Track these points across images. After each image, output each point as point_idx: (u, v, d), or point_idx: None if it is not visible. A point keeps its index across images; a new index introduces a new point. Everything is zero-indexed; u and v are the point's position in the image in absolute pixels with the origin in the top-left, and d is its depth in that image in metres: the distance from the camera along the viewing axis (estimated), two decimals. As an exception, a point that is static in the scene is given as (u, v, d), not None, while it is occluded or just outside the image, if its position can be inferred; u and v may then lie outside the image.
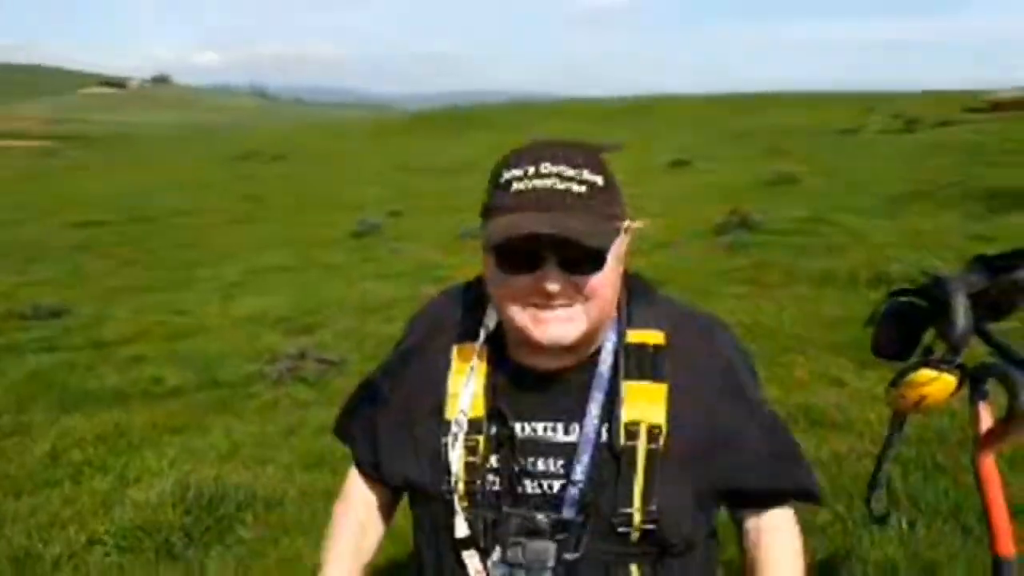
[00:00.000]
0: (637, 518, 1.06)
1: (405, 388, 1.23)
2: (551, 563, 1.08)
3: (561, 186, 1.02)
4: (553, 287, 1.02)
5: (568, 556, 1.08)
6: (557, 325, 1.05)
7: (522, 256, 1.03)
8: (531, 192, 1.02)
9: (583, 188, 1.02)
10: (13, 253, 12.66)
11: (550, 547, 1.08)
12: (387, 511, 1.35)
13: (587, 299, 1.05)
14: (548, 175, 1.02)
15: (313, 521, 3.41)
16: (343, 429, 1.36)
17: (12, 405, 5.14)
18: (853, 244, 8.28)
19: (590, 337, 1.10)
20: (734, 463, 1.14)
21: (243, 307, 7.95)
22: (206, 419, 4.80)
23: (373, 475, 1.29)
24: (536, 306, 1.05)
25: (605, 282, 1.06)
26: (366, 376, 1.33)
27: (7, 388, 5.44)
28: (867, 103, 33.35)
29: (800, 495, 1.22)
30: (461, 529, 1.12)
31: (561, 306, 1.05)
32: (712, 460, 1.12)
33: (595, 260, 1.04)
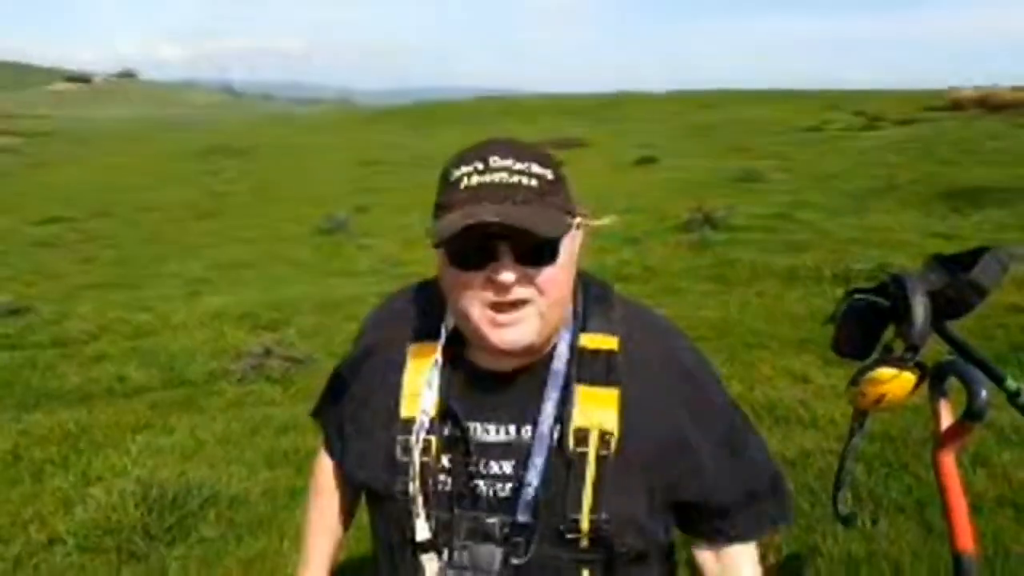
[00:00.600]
0: (586, 524, 1.05)
1: (362, 386, 1.22)
2: (496, 567, 1.07)
3: (511, 179, 1.01)
4: (507, 277, 1.01)
5: (515, 561, 1.07)
6: (513, 329, 1.04)
7: (475, 250, 1.02)
8: (480, 186, 1.01)
9: (533, 181, 1.02)
10: (-28, 250, 12.37)
11: (496, 551, 1.07)
12: (353, 494, 1.38)
13: (541, 293, 1.04)
14: (497, 169, 1.02)
15: (276, 519, 3.39)
16: (319, 413, 1.38)
17: (-29, 404, 5.03)
18: (818, 241, 8.40)
19: (545, 337, 1.09)
20: (689, 472, 1.12)
21: (208, 304, 7.86)
22: (170, 417, 4.74)
23: (339, 463, 1.31)
24: (492, 307, 1.03)
25: (558, 276, 1.05)
26: (336, 366, 1.34)
27: (-35, 387, 5.33)
28: (830, 100, 33.75)
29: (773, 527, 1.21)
30: (416, 530, 1.11)
31: (516, 304, 1.03)
32: (666, 467, 1.10)
33: (548, 251, 1.03)
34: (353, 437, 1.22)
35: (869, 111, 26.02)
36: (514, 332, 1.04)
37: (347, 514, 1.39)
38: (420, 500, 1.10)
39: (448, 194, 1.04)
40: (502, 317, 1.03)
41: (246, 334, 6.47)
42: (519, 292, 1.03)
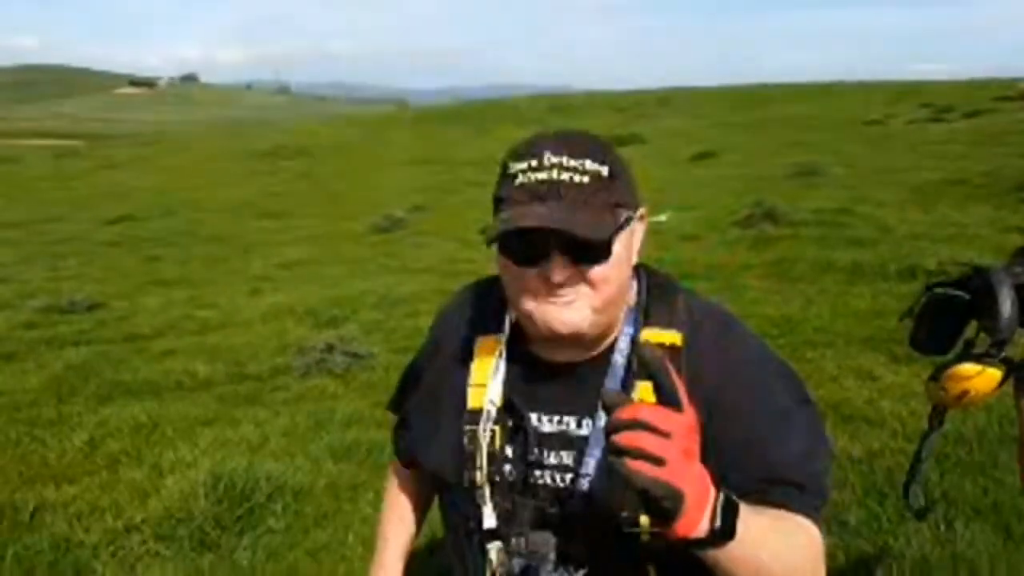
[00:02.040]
0: (644, 520, 1.02)
1: (433, 378, 1.25)
2: (551, 555, 1.08)
3: (563, 177, 1.01)
4: (558, 278, 1.02)
5: (572, 550, 1.07)
6: (564, 314, 1.04)
7: (528, 248, 1.03)
8: (532, 184, 1.02)
9: (585, 179, 1.02)
10: (48, 248, 12.89)
11: (551, 539, 1.08)
12: (426, 498, 1.42)
13: (594, 289, 1.04)
14: (550, 166, 1.02)
15: (340, 512, 3.46)
16: (394, 405, 1.42)
17: (51, 396, 5.26)
18: (882, 236, 8.18)
19: (601, 328, 1.09)
20: (753, 470, 1.05)
21: (270, 301, 8.03)
22: (236, 411, 4.86)
23: (413, 456, 1.34)
24: (544, 297, 1.04)
25: (611, 274, 1.05)
26: (412, 359, 1.37)
27: (47, 380, 5.55)
28: (894, 93, 32.83)
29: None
30: (483, 518, 1.13)
31: (567, 296, 1.04)
32: (723, 466, 1.03)
33: (599, 250, 1.03)
34: (424, 427, 1.25)
35: (936, 103, 25.21)
36: (566, 313, 1.04)
37: (422, 504, 1.43)
38: (488, 489, 1.12)
39: (503, 188, 1.06)
40: (553, 304, 1.04)
41: (308, 330, 6.61)
42: (570, 289, 1.04)
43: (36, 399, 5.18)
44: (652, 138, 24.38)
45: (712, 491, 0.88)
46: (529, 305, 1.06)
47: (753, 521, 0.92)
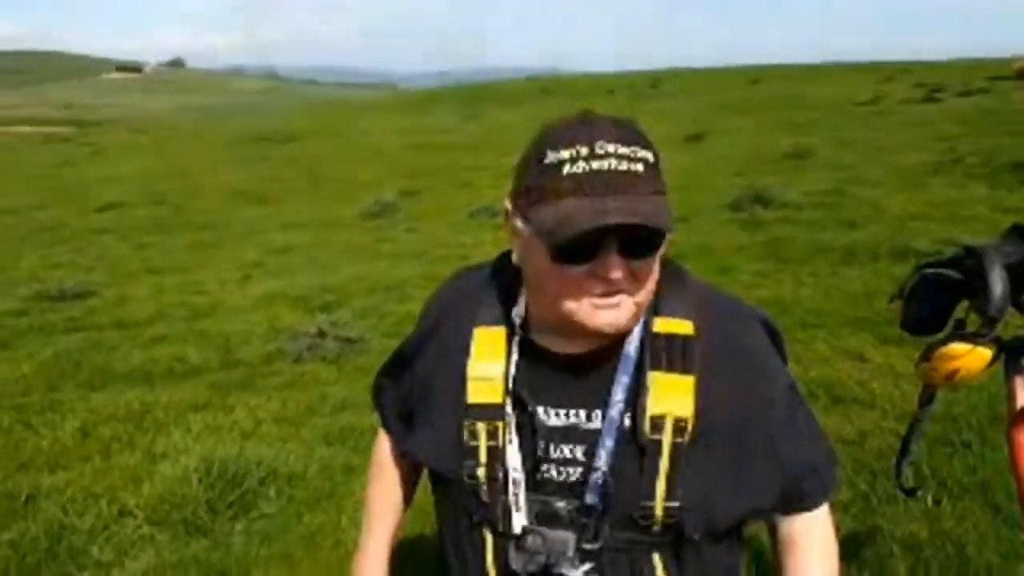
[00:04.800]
0: (659, 511, 1.03)
1: (426, 367, 1.21)
2: (570, 553, 1.06)
3: (622, 167, 0.95)
4: (616, 275, 0.97)
5: (588, 546, 1.06)
6: (612, 311, 1.01)
7: (579, 245, 0.96)
8: (592, 175, 0.95)
9: (639, 167, 0.96)
10: (38, 236, 12.79)
11: (570, 538, 1.06)
12: (414, 472, 1.40)
13: (640, 284, 1.01)
14: (605, 155, 0.95)
15: (334, 495, 3.47)
16: (376, 392, 1.39)
17: (43, 383, 5.24)
18: (874, 217, 8.18)
19: (638, 321, 1.07)
20: (761, 456, 1.09)
21: (261, 287, 8.00)
22: (228, 397, 4.85)
23: (399, 442, 1.32)
24: (593, 296, 1.00)
25: (655, 266, 1.03)
26: (400, 345, 1.33)
27: (38, 367, 5.54)
28: (887, 72, 32.75)
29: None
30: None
31: (616, 297, 1.00)
32: (738, 455, 1.08)
33: (654, 244, 1.00)
34: (418, 419, 1.22)
35: (929, 82, 25.14)
36: (613, 314, 1.01)
37: (408, 491, 1.41)
38: (523, 492, 1.09)
39: (547, 179, 0.98)
40: (601, 301, 1.00)
41: (300, 316, 6.59)
42: (621, 284, 1.00)
43: (27, 387, 5.17)
44: (643, 120, 24.21)
45: None
46: (571, 304, 1.01)
47: None
